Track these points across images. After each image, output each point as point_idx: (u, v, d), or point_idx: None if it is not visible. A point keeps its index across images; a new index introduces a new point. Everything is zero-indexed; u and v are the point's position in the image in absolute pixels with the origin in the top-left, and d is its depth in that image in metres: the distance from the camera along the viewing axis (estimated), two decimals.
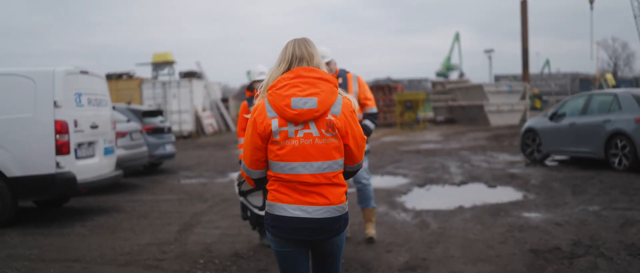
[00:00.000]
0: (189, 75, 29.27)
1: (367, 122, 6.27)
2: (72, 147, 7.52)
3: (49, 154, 7.31)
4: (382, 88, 32.62)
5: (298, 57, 2.89)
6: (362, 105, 6.30)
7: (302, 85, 2.79)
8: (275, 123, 2.77)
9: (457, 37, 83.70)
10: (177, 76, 30.21)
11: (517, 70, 57.00)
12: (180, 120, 27.90)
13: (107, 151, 8.48)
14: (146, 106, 27.11)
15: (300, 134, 2.78)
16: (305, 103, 2.76)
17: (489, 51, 76.34)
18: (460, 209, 8.02)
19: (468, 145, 18.43)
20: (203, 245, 6.35)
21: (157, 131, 13.39)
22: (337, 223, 2.84)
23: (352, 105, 2.93)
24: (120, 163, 10.12)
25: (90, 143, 8.02)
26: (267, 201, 2.88)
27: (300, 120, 2.77)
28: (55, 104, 7.35)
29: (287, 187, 2.80)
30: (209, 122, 29.69)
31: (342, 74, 6.30)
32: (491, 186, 10.06)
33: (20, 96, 7.35)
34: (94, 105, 8.17)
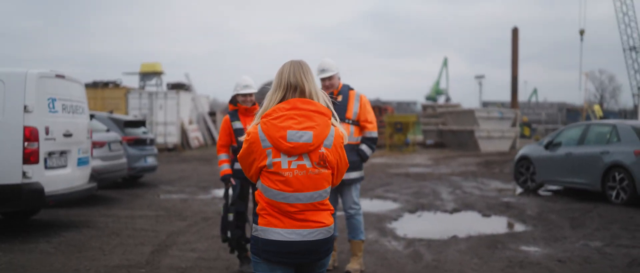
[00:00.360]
0: (177, 87, 28.74)
1: (364, 147, 5.80)
2: (42, 156, 6.98)
3: (16, 163, 6.75)
4: (373, 109, 32.28)
5: (293, 86, 2.88)
6: (361, 127, 5.83)
7: (298, 117, 2.78)
8: (269, 154, 2.78)
9: (445, 63, 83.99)
10: (164, 87, 29.66)
11: (505, 97, 57.07)
12: (165, 132, 27.32)
13: (81, 162, 7.93)
14: (130, 116, 26.64)
15: (294, 165, 2.79)
16: (301, 136, 2.76)
17: (479, 77, 76.64)
18: (455, 239, 7.55)
19: (459, 170, 18.02)
20: (177, 270, 5.81)
21: (139, 142, 12.83)
22: (327, 245, 2.90)
23: (343, 138, 2.93)
24: (96, 175, 9.57)
25: (63, 153, 7.47)
26: (257, 226, 2.85)
27: (294, 153, 2.77)
28: (25, 108, 6.81)
29: (278, 212, 2.81)
30: (195, 135, 29.12)
31: (344, 90, 5.84)
32: (485, 215, 9.61)
33: None
34: (69, 112, 7.64)
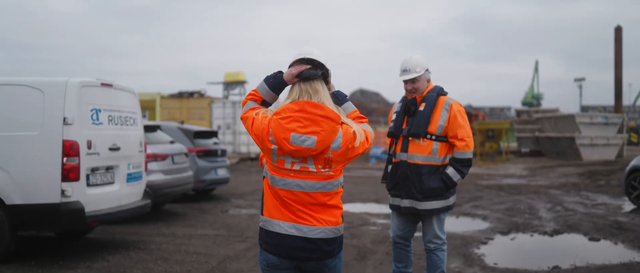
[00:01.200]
0: None
1: (451, 171, 4.68)
2: (83, 172, 6.36)
3: (54, 181, 6.16)
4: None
5: (304, 89, 2.89)
6: (450, 144, 4.73)
7: (304, 120, 2.76)
8: (274, 151, 2.79)
9: (536, 67, 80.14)
10: None
11: (605, 101, 53.07)
12: (248, 141, 27.05)
13: (132, 178, 7.29)
14: (214, 126, 26.57)
15: (296, 166, 2.79)
16: (304, 141, 2.74)
17: (579, 80, 71.97)
18: (557, 272, 6.25)
19: (558, 182, 16.27)
20: None
21: (209, 153, 12.22)
22: (331, 245, 2.83)
23: (354, 137, 2.83)
24: (156, 190, 8.99)
25: (109, 168, 6.85)
26: (262, 217, 2.88)
27: (297, 156, 2.77)
28: (65, 120, 6.22)
29: (281, 204, 2.81)
30: None
31: (431, 97, 4.75)
32: (593, 239, 8.14)
33: (28, 110, 6.28)
34: (117, 124, 7.01)
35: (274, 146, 2.76)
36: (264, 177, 2.88)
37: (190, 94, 28.24)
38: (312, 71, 2.89)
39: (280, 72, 3.00)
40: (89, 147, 6.44)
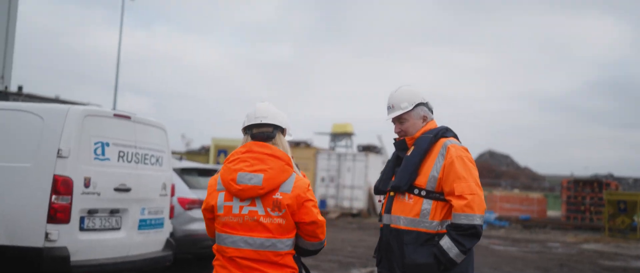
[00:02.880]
0: (367, 149, 27.34)
1: (446, 242, 3.19)
2: (76, 214, 5.51)
3: (39, 221, 5.35)
4: (591, 183, 27.25)
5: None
6: (447, 203, 3.29)
7: (250, 160, 2.78)
8: (221, 197, 2.81)
9: None
10: (354, 149, 28.48)
11: None
12: (351, 196, 25.92)
13: (147, 225, 6.36)
14: (317, 179, 25.75)
15: (245, 210, 2.75)
16: (250, 179, 2.73)
17: None
18: None
19: None
20: None
21: None
22: None
23: (308, 189, 2.86)
24: (197, 242, 8.03)
25: (114, 211, 5.96)
26: None
27: (244, 196, 2.75)
28: (59, 153, 5.44)
29: (229, 263, 2.76)
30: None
31: (426, 137, 3.40)
32: None
33: (24, 138, 5.60)
34: (131, 161, 6.15)
35: (221, 193, 2.80)
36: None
37: (297, 144, 27.79)
38: (270, 133, 2.96)
39: None
40: (87, 185, 5.60)
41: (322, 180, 26.43)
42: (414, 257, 3.24)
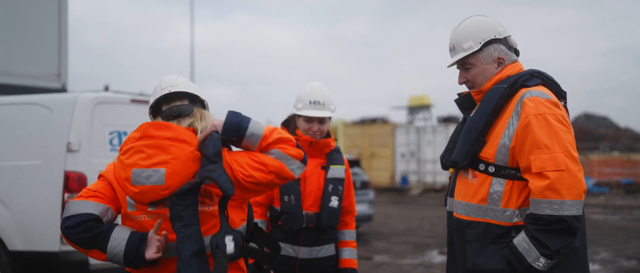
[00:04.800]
0: (448, 120, 26.04)
1: (520, 240, 2.22)
2: None
3: (53, 223, 4.85)
4: None
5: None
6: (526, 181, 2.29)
7: (147, 150, 2.05)
8: (128, 200, 2.10)
9: None
10: (434, 121, 27.22)
11: None
12: (434, 170, 24.75)
13: None
14: (397, 154, 24.80)
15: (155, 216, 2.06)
16: (148, 177, 2.01)
17: None
18: None
19: None
20: None
21: None
22: None
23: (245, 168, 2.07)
24: None
25: None
26: None
27: (145, 200, 2.03)
28: (68, 146, 4.91)
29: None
30: None
31: (499, 88, 2.40)
32: None
33: (33, 134, 5.12)
34: None
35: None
36: None
37: (373, 121, 26.91)
38: (185, 107, 2.20)
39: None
40: None
41: (402, 155, 25.46)
42: (478, 261, 2.32)
